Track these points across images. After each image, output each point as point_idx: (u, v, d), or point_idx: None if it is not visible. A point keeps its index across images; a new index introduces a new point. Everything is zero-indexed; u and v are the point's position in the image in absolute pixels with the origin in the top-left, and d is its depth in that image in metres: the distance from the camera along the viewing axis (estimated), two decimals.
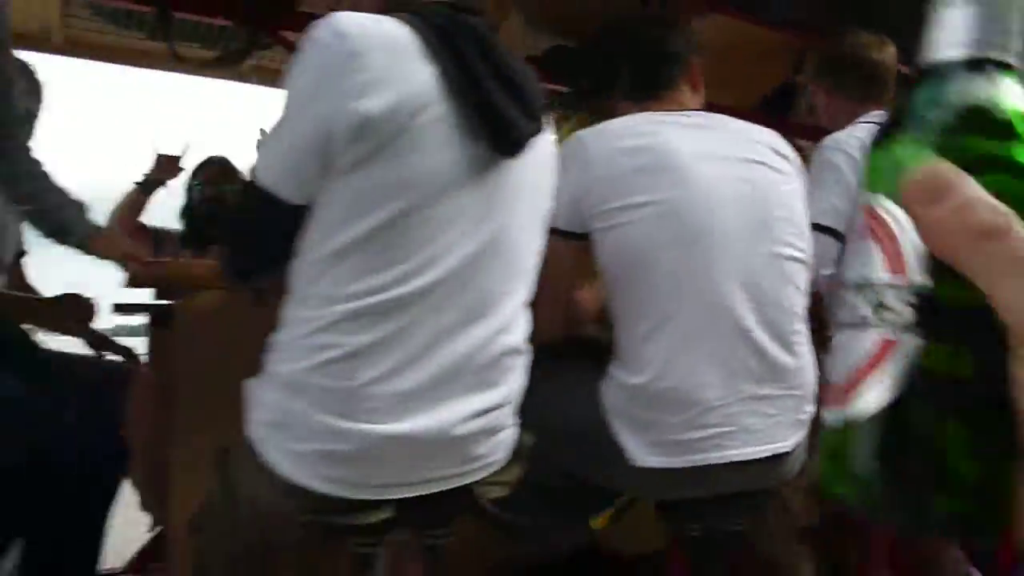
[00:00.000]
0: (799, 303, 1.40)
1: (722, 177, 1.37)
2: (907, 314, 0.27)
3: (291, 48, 2.55)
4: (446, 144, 1.01)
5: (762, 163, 1.45)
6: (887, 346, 0.27)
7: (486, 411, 1.07)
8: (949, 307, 0.26)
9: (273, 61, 2.60)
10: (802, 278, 1.42)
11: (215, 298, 1.55)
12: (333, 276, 1.00)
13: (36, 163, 1.53)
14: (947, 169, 0.26)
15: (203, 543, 1.15)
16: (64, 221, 1.53)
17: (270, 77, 2.62)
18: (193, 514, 1.18)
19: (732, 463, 1.29)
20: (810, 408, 1.38)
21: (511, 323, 1.11)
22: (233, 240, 1.11)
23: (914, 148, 0.28)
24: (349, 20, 0.99)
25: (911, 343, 0.27)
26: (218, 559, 1.13)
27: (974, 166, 0.26)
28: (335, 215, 1.00)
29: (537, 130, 1.08)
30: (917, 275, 0.27)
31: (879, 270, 0.28)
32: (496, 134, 1.04)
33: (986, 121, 0.28)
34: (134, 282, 1.52)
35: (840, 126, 1.78)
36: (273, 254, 1.07)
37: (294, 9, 2.47)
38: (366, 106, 0.96)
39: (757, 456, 1.30)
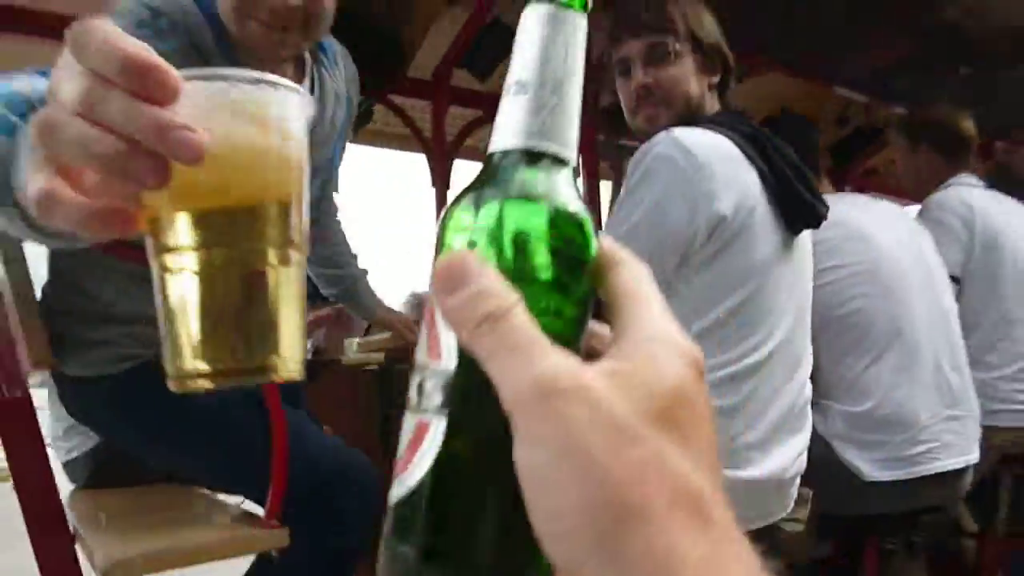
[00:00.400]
0: (960, 341, 1.70)
1: (897, 241, 1.67)
2: (437, 397, 0.28)
3: (397, 111, 2.72)
4: (769, 233, 1.23)
5: (912, 229, 1.78)
6: (422, 428, 0.28)
7: (798, 454, 1.29)
8: (469, 388, 0.27)
9: (380, 124, 2.75)
10: (956, 320, 1.72)
11: None
12: (703, 350, 1.19)
13: (340, 227, 1.65)
14: (466, 258, 0.27)
15: None
16: (358, 288, 1.65)
17: (378, 139, 2.77)
18: None
19: (939, 474, 1.56)
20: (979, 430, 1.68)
21: (807, 375, 1.33)
22: None
23: (456, 234, 0.29)
24: (688, 136, 1.19)
25: (440, 425, 0.27)
26: None
27: (506, 255, 0.28)
28: (694, 302, 1.20)
29: (827, 208, 1.31)
30: (450, 359, 0.28)
31: (424, 355, 0.29)
32: (802, 218, 1.27)
33: (526, 213, 0.29)
34: (410, 349, 1.65)
35: (927, 185, 2.12)
36: None
37: (402, 75, 2.65)
38: (719, 208, 1.16)
39: (957, 467, 1.58)
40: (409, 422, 0.29)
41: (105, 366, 1.16)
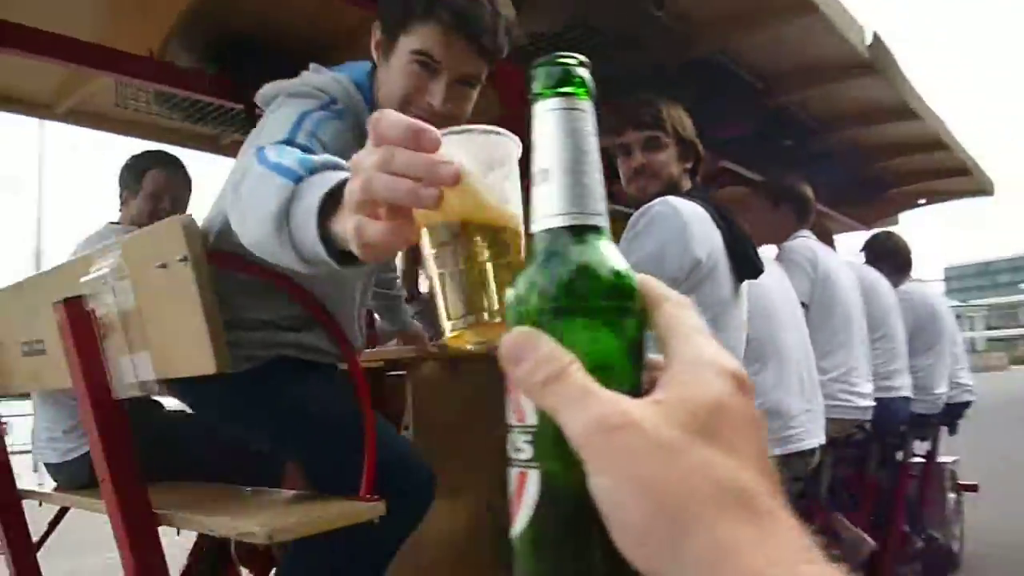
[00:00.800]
0: (812, 354, 2.31)
1: (771, 281, 2.25)
2: (527, 451, 0.33)
3: None
4: (726, 279, 1.72)
5: (779, 272, 2.37)
6: (521, 478, 0.33)
7: None
8: (548, 439, 0.33)
9: None
10: (809, 339, 2.34)
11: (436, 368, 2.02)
12: None
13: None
14: (525, 333, 0.33)
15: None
16: (400, 306, 1.94)
17: None
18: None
19: (802, 451, 2.13)
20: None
21: None
22: None
23: (520, 309, 0.35)
24: (677, 201, 1.67)
25: (533, 474, 0.33)
26: None
27: (565, 318, 0.33)
28: None
29: (763, 264, 1.81)
30: (531, 417, 0.33)
31: (511, 417, 0.34)
32: (747, 271, 1.76)
33: (576, 279, 0.34)
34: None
35: (781, 235, 2.77)
36: None
37: None
38: (698, 254, 1.63)
39: (812, 446, 2.16)
40: (512, 475, 0.34)
41: (232, 364, 1.36)
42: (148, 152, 2.22)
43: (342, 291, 1.47)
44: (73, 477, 1.86)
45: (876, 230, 5.42)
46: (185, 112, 2.70)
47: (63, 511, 2.07)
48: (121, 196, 2.12)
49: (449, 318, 0.52)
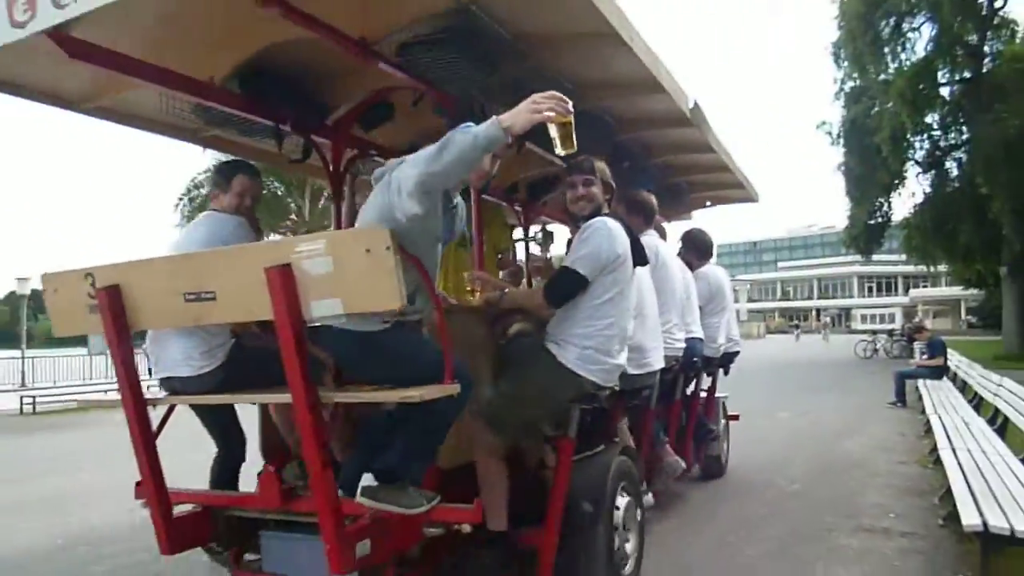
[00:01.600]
0: (658, 312, 3.68)
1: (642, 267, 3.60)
2: None
3: (316, 147, 3.84)
4: (629, 267, 2.98)
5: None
6: None
7: (625, 360, 3.05)
8: None
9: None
10: (657, 303, 3.71)
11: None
12: (601, 311, 2.88)
13: None
14: None
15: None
16: None
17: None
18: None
19: (651, 371, 3.50)
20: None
21: (632, 327, 3.11)
22: (557, 290, 2.89)
23: None
24: (608, 220, 2.92)
25: None
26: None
27: None
28: (599, 289, 2.88)
29: (647, 259, 3.12)
30: None
31: None
32: (639, 262, 3.05)
33: None
34: None
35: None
36: (570, 298, 2.89)
37: (324, 125, 3.80)
38: (619, 251, 2.89)
39: (655, 369, 3.54)
40: None
41: (367, 326, 2.38)
42: (235, 161, 3.04)
43: (435, 269, 2.55)
44: (204, 386, 2.73)
45: (675, 222, 7.18)
46: (217, 123, 3.48)
47: (167, 416, 2.91)
48: (212, 193, 2.93)
49: (557, 150, 2.31)
